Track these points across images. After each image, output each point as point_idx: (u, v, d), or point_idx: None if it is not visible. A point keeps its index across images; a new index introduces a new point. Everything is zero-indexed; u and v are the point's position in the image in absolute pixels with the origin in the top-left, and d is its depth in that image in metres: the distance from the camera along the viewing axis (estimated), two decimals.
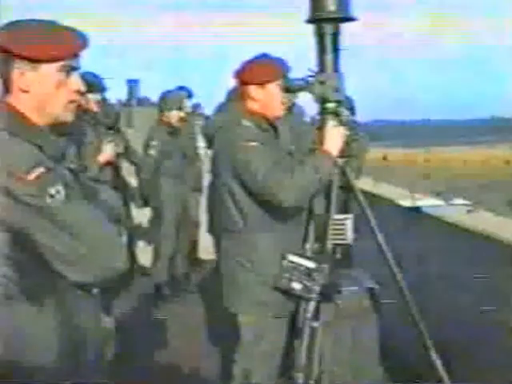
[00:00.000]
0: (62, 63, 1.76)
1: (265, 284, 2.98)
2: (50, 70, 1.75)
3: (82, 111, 4.42)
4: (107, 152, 4.55)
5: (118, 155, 4.72)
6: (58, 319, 1.73)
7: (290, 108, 4.56)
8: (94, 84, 4.60)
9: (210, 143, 3.36)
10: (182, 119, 6.10)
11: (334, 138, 3.00)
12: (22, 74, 1.73)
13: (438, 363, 3.06)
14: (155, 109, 6.40)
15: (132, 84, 11.44)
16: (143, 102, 10.53)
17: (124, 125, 7.11)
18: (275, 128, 3.12)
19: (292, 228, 3.04)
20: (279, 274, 2.91)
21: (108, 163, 4.60)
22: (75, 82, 1.80)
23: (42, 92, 1.75)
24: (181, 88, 6.31)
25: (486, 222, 3.92)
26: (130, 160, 5.72)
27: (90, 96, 4.52)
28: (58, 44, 1.75)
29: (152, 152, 5.88)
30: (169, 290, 6.16)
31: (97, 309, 1.91)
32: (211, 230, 5.24)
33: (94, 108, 4.60)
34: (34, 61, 1.73)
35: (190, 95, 7.20)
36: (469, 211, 4.18)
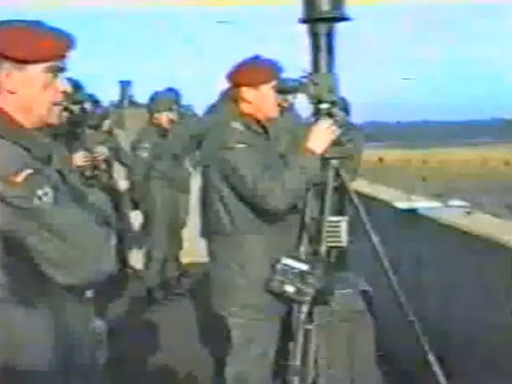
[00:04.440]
0: (48, 64, 1.75)
1: (254, 286, 2.97)
2: (36, 71, 1.74)
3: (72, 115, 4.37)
4: (77, 160, 4.37)
5: (95, 166, 4.56)
6: (48, 323, 1.72)
7: (288, 108, 4.54)
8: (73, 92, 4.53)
9: (198, 144, 3.35)
10: (171, 121, 6.07)
11: (320, 136, 2.96)
12: (9, 75, 1.72)
13: (436, 366, 3.04)
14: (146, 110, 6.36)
15: (124, 85, 11.45)
16: (135, 103, 10.55)
17: (116, 126, 7.11)
18: (266, 130, 3.10)
19: (281, 230, 3.03)
20: (271, 277, 2.90)
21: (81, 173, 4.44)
22: (61, 83, 1.80)
23: (28, 93, 1.74)
24: (169, 90, 6.29)
25: (484, 224, 3.86)
26: (121, 162, 5.68)
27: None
28: (44, 45, 1.74)
29: (143, 154, 5.85)
30: (161, 293, 6.15)
31: (88, 312, 1.90)
32: (203, 232, 5.21)
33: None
34: (21, 62, 1.71)
35: (177, 96, 7.15)
36: (467, 213, 4.13)
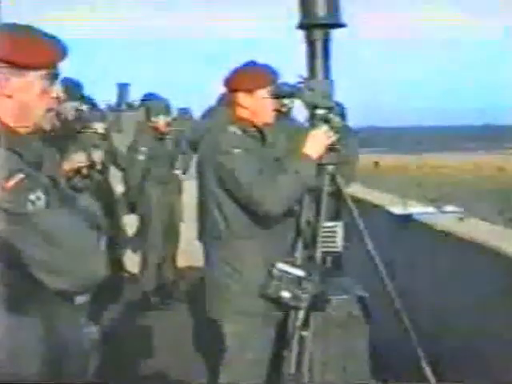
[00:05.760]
0: (47, 71, 1.76)
1: (249, 292, 2.95)
2: (35, 78, 1.75)
3: (64, 120, 4.39)
4: (73, 160, 4.39)
5: (91, 165, 4.57)
6: (39, 329, 1.71)
7: (285, 114, 4.54)
8: (72, 91, 4.55)
9: (195, 148, 3.34)
10: (168, 124, 6.07)
11: (316, 142, 2.98)
12: (8, 80, 1.71)
13: (429, 372, 3.04)
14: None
15: (122, 87, 11.44)
16: (133, 105, 10.52)
17: (113, 129, 7.08)
18: (263, 135, 3.10)
19: (277, 235, 3.02)
20: (267, 282, 2.89)
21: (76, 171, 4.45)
22: (56, 89, 1.81)
23: (25, 99, 1.74)
24: (150, 95, 6.28)
25: (477, 230, 3.88)
26: (117, 165, 5.67)
27: (69, 104, 4.47)
28: (45, 52, 1.75)
29: (140, 157, 5.84)
30: (157, 297, 6.13)
31: (80, 318, 1.89)
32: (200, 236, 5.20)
33: (69, 116, 4.52)
34: (21, 67, 1.72)
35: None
36: (460, 219, 4.15)
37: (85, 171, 4.36)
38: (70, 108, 4.48)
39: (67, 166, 4.29)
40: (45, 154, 1.81)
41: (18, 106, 1.74)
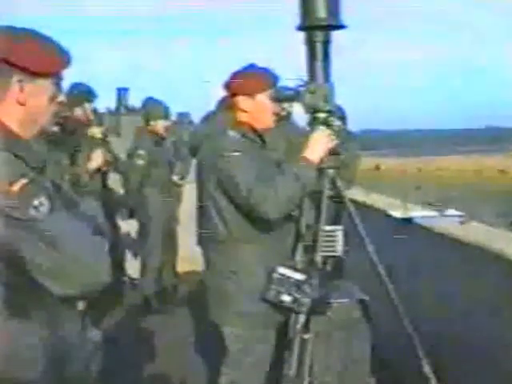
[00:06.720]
0: (55, 77, 1.78)
1: (249, 296, 2.95)
2: (46, 84, 1.76)
3: (75, 122, 4.44)
4: (97, 159, 4.56)
5: (107, 163, 4.72)
6: (42, 333, 1.70)
7: (285, 117, 4.55)
8: (90, 94, 4.62)
9: (194, 153, 3.34)
10: (167, 128, 6.08)
11: (316, 145, 2.98)
12: (22, 87, 1.72)
13: (430, 375, 3.03)
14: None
15: (121, 92, 11.49)
16: (132, 109, 10.57)
17: (112, 133, 7.09)
18: (263, 138, 3.10)
19: (277, 238, 3.02)
20: (267, 286, 2.88)
21: (97, 170, 4.61)
22: (59, 93, 1.82)
23: (36, 105, 1.75)
24: (149, 99, 6.28)
25: (478, 233, 3.88)
26: (116, 170, 5.68)
27: (87, 105, 4.54)
28: (57, 58, 1.77)
29: (139, 162, 5.84)
30: (157, 302, 6.12)
31: (82, 322, 1.88)
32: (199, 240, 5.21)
33: (91, 116, 4.61)
34: (33, 74, 1.72)
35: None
36: (461, 222, 4.14)
37: (105, 168, 4.71)
38: (88, 110, 4.57)
39: (93, 165, 4.52)
40: (48, 159, 1.81)
41: (28, 112, 1.74)
